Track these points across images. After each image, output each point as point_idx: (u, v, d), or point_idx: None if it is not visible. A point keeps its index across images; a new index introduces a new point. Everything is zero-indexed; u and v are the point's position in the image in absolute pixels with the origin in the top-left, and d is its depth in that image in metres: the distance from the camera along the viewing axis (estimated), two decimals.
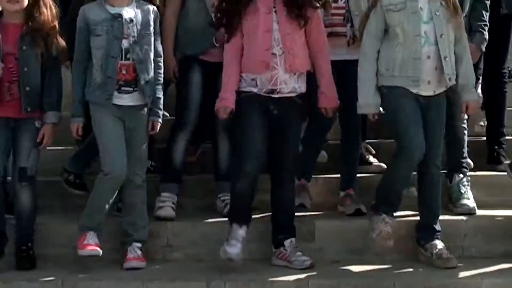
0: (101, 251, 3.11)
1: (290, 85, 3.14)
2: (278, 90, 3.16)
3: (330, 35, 3.34)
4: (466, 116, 3.51)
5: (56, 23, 3.36)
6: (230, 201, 3.26)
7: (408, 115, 3.06)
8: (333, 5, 3.34)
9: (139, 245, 3.27)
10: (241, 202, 3.19)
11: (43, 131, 3.39)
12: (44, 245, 3.38)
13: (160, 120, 3.47)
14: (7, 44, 3.22)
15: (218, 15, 3.31)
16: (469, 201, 3.42)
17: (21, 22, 3.28)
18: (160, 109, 3.45)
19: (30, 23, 3.28)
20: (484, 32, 3.52)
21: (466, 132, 3.59)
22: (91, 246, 3.10)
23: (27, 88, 3.28)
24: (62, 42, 3.37)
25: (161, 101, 3.40)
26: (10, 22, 3.26)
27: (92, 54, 3.22)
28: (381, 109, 3.19)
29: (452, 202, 3.47)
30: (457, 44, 3.08)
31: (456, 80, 3.07)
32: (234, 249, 3.02)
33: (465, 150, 3.57)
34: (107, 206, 3.23)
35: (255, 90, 3.18)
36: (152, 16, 3.32)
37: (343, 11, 3.36)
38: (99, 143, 3.31)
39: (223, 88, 3.14)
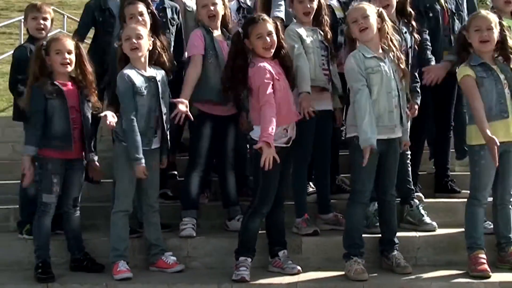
0: (131, 274, 3.21)
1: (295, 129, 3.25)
2: (293, 136, 3.22)
3: (321, 90, 3.51)
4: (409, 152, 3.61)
5: (94, 78, 3.47)
6: (239, 238, 3.22)
7: (367, 168, 3.10)
8: (323, 66, 3.49)
9: (171, 253, 3.40)
10: (251, 237, 3.20)
11: (93, 168, 3.56)
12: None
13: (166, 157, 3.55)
14: (70, 99, 3.35)
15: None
16: (430, 220, 3.54)
17: (71, 81, 3.41)
18: (168, 149, 3.54)
19: (81, 82, 3.42)
20: (418, 90, 3.59)
21: (409, 164, 3.65)
22: (123, 271, 3.22)
23: (86, 133, 3.43)
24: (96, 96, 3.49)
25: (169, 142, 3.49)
26: (65, 82, 3.37)
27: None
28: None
29: (415, 222, 3.56)
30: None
31: None
32: (245, 271, 3.11)
33: (410, 179, 3.63)
34: (128, 235, 3.37)
35: (284, 139, 3.16)
36: (165, 78, 3.45)
37: (328, 73, 3.53)
38: (119, 185, 3.36)
39: (269, 130, 3.00)
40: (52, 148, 3.30)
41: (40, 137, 3.27)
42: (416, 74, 3.61)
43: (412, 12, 3.61)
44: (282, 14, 3.92)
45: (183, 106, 3.34)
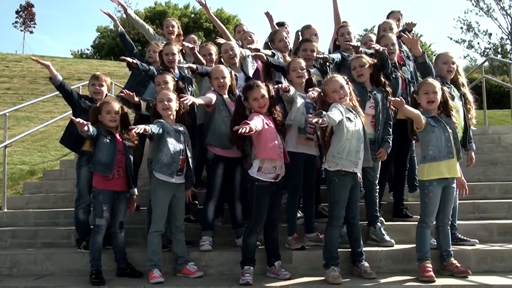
0: (163, 279, 3.43)
1: (283, 169, 3.47)
2: (281, 174, 3.40)
3: (307, 139, 3.78)
4: (378, 187, 3.91)
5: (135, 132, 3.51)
6: (242, 252, 3.41)
7: (343, 198, 3.38)
8: (309, 127, 3.72)
9: (193, 263, 3.68)
10: (251, 250, 3.42)
11: (134, 199, 3.84)
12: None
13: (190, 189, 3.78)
14: (117, 145, 3.69)
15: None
16: (390, 238, 3.84)
17: (118, 131, 3.75)
18: (192, 183, 3.78)
19: (125, 135, 3.73)
20: (390, 141, 3.89)
21: (377, 196, 3.93)
22: (157, 277, 3.46)
23: (129, 172, 3.73)
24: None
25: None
26: (113, 132, 3.74)
27: (164, 146, 3.52)
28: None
29: (378, 240, 3.84)
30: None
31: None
32: (249, 276, 3.35)
33: (377, 207, 3.92)
34: (161, 249, 3.61)
35: (272, 175, 3.32)
36: (187, 131, 3.72)
37: (313, 127, 3.74)
38: (155, 211, 3.54)
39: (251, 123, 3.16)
40: (97, 172, 3.62)
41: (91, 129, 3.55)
42: (390, 129, 3.90)
43: (386, 82, 3.91)
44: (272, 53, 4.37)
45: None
